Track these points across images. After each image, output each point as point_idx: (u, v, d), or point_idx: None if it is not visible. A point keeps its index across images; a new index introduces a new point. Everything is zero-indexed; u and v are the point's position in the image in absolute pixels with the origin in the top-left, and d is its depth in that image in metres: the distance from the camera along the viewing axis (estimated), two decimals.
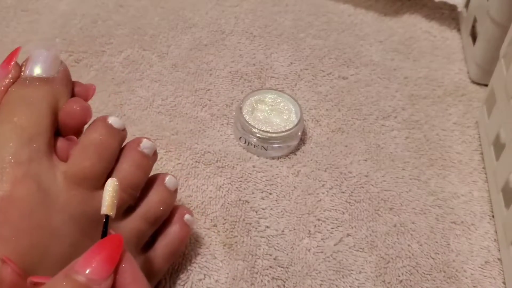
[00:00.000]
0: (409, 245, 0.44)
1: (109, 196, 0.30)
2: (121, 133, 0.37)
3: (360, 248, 0.44)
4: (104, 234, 0.29)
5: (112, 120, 0.36)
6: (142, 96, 0.54)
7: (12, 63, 0.36)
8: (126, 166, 0.36)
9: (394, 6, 0.66)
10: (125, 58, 0.58)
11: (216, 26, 0.62)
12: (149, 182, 0.38)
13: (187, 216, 0.40)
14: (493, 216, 0.47)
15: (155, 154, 0.38)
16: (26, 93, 0.35)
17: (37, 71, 0.36)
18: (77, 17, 0.62)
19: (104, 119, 0.36)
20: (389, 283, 0.42)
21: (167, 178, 0.39)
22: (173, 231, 0.39)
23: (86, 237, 0.34)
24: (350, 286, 0.42)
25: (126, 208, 0.37)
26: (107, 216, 0.30)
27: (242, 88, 0.56)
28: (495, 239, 0.45)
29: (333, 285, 0.42)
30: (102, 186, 0.34)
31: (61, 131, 0.36)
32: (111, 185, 0.30)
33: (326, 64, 0.58)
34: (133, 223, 0.37)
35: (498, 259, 0.44)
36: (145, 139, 0.37)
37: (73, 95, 0.38)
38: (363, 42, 0.61)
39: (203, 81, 0.56)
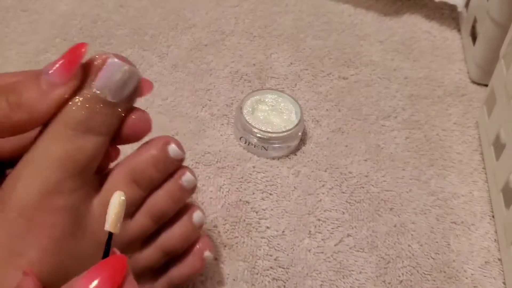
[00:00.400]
0: (409, 245, 0.44)
1: (114, 212, 0.28)
2: (175, 163, 0.35)
3: (361, 249, 0.44)
4: (107, 252, 0.27)
5: (171, 148, 0.34)
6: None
7: (75, 70, 0.29)
8: (162, 194, 0.35)
9: (394, 6, 0.66)
10: None
11: (216, 26, 0.62)
12: (177, 211, 0.37)
13: (207, 253, 0.38)
14: (493, 216, 0.47)
15: (194, 188, 0.36)
16: (88, 115, 0.30)
17: (109, 92, 0.30)
18: (77, 17, 0.62)
19: (164, 144, 0.34)
20: (389, 283, 0.42)
21: (195, 214, 0.37)
22: (190, 263, 0.37)
23: None
24: (350, 287, 0.42)
25: (148, 236, 0.36)
26: (110, 234, 0.28)
27: (242, 88, 0.56)
28: (495, 239, 0.45)
29: (333, 286, 0.42)
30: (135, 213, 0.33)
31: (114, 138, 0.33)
32: (117, 200, 0.28)
33: (326, 64, 0.58)
34: (151, 253, 0.36)
35: (498, 259, 0.44)
36: (188, 173, 0.35)
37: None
38: (363, 42, 0.61)
39: (203, 81, 0.56)
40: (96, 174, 0.32)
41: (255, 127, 0.48)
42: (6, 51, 0.57)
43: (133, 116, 0.32)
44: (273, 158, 0.50)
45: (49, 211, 0.30)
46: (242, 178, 0.48)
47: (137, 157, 0.34)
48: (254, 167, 0.49)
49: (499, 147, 0.47)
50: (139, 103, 0.53)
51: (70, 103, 0.30)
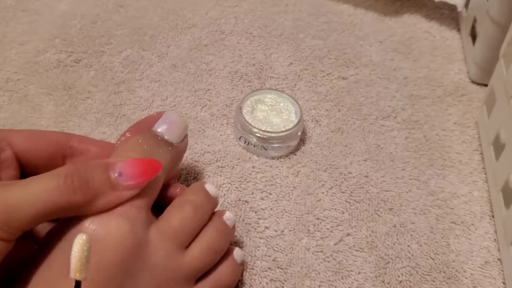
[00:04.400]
0: (408, 246, 0.44)
1: (75, 257, 0.25)
2: (214, 200, 0.39)
3: (360, 248, 0.44)
4: None
5: (208, 187, 0.39)
6: (141, 96, 0.54)
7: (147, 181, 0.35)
8: (211, 231, 0.37)
9: (393, 6, 0.66)
10: (125, 58, 0.58)
11: (215, 26, 0.62)
12: None
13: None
14: (493, 216, 0.47)
15: (234, 227, 0.40)
16: (153, 152, 0.36)
17: (170, 135, 0.38)
18: (76, 17, 0.62)
19: (201, 186, 0.39)
20: (388, 283, 0.42)
21: (235, 252, 0.39)
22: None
23: None
24: (349, 287, 0.42)
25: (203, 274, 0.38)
26: (77, 282, 0.25)
27: (242, 88, 0.55)
28: (495, 239, 0.45)
29: (332, 286, 0.42)
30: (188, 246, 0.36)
31: None
32: (78, 243, 0.25)
33: (326, 64, 0.58)
34: None
35: (498, 259, 0.44)
36: (227, 212, 0.39)
37: None
38: (362, 42, 0.61)
39: (203, 81, 0.56)
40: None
41: (254, 127, 0.48)
42: (6, 51, 0.57)
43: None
44: (273, 158, 0.49)
45: (117, 237, 0.33)
46: (241, 177, 0.48)
47: (187, 195, 0.38)
48: (253, 167, 0.49)
49: (498, 147, 0.47)
50: (138, 102, 0.52)
51: None
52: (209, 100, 0.54)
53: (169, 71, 0.57)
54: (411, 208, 0.47)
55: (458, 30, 0.64)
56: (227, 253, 0.39)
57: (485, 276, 0.43)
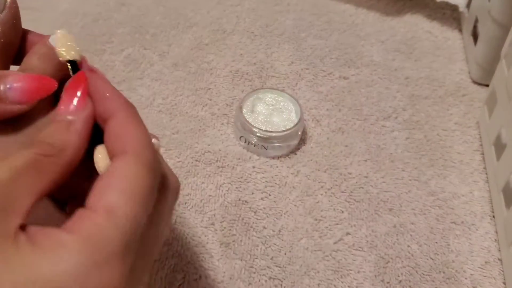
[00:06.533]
0: (408, 246, 0.44)
1: (60, 40, 0.29)
2: None
3: (360, 247, 0.44)
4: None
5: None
6: (142, 95, 0.54)
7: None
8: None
9: (395, 6, 0.66)
10: (126, 56, 0.58)
11: (217, 25, 0.62)
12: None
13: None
14: (493, 216, 0.46)
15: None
16: None
17: None
18: (78, 15, 0.62)
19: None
20: (388, 282, 0.42)
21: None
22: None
23: None
24: (348, 286, 0.42)
25: None
26: (72, 62, 0.29)
27: (242, 88, 0.55)
28: (495, 239, 0.45)
29: (331, 285, 0.41)
30: None
31: None
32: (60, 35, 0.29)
33: (327, 64, 0.58)
34: None
35: (499, 259, 0.44)
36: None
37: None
38: (364, 42, 0.61)
39: (204, 80, 0.56)
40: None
41: (255, 127, 0.48)
42: None
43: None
44: (273, 158, 0.49)
45: None
46: (241, 177, 0.48)
47: None
48: (254, 166, 0.49)
49: (500, 147, 0.47)
50: (139, 101, 0.52)
51: None
52: (210, 99, 0.54)
53: (170, 70, 0.57)
54: (411, 209, 0.47)
55: (460, 30, 0.64)
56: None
57: (485, 276, 0.43)
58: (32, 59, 0.30)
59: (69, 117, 0.27)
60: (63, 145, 0.26)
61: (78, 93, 0.27)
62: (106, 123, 0.27)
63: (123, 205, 0.24)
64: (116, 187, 0.25)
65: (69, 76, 0.30)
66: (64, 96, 0.27)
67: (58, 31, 0.30)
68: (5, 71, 0.30)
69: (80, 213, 0.24)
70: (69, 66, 0.29)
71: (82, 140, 0.26)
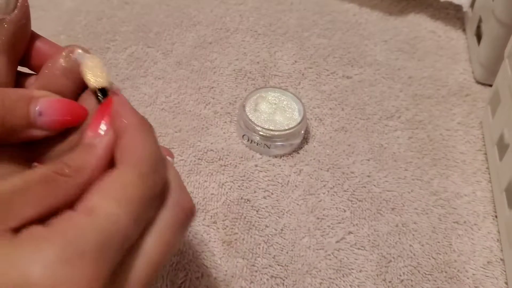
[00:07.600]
0: (410, 245, 0.44)
1: (92, 68, 0.30)
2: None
3: (362, 246, 0.44)
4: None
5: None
6: (145, 93, 0.54)
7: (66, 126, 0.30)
8: None
9: (399, 6, 0.66)
10: (130, 55, 0.58)
11: (220, 24, 0.62)
12: None
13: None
14: (496, 216, 0.46)
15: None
16: None
17: None
18: (82, 13, 0.62)
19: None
20: (390, 282, 0.42)
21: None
22: None
23: None
24: (350, 285, 0.42)
25: None
26: (103, 90, 0.30)
27: (245, 86, 0.55)
28: (497, 239, 0.45)
29: (333, 284, 0.42)
30: None
31: None
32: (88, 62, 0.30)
33: (330, 63, 0.58)
34: None
35: (501, 259, 0.44)
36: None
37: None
38: (367, 42, 0.61)
39: (207, 78, 0.56)
40: None
41: (258, 125, 0.48)
42: None
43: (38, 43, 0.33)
44: (276, 156, 0.49)
45: None
46: (244, 176, 0.48)
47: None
48: (256, 165, 0.49)
49: (502, 147, 0.47)
50: (142, 99, 0.52)
51: None
52: (213, 98, 0.54)
53: (174, 68, 0.57)
54: (413, 208, 0.47)
55: (464, 30, 0.63)
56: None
57: (487, 276, 0.43)
58: (56, 74, 0.31)
59: (92, 141, 0.27)
60: (80, 167, 0.26)
61: (105, 120, 0.28)
62: (119, 139, 0.27)
63: (106, 207, 0.24)
64: (103, 190, 0.25)
65: (86, 87, 0.31)
66: (92, 121, 0.28)
67: (88, 55, 0.30)
68: (35, 92, 0.30)
69: (64, 213, 0.24)
70: (99, 94, 0.30)
71: (99, 163, 0.27)
